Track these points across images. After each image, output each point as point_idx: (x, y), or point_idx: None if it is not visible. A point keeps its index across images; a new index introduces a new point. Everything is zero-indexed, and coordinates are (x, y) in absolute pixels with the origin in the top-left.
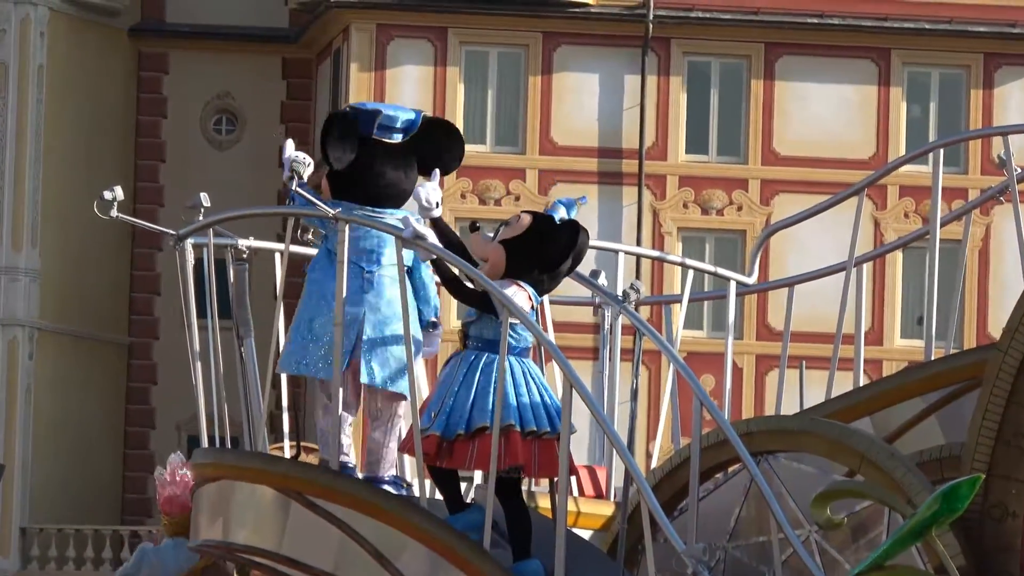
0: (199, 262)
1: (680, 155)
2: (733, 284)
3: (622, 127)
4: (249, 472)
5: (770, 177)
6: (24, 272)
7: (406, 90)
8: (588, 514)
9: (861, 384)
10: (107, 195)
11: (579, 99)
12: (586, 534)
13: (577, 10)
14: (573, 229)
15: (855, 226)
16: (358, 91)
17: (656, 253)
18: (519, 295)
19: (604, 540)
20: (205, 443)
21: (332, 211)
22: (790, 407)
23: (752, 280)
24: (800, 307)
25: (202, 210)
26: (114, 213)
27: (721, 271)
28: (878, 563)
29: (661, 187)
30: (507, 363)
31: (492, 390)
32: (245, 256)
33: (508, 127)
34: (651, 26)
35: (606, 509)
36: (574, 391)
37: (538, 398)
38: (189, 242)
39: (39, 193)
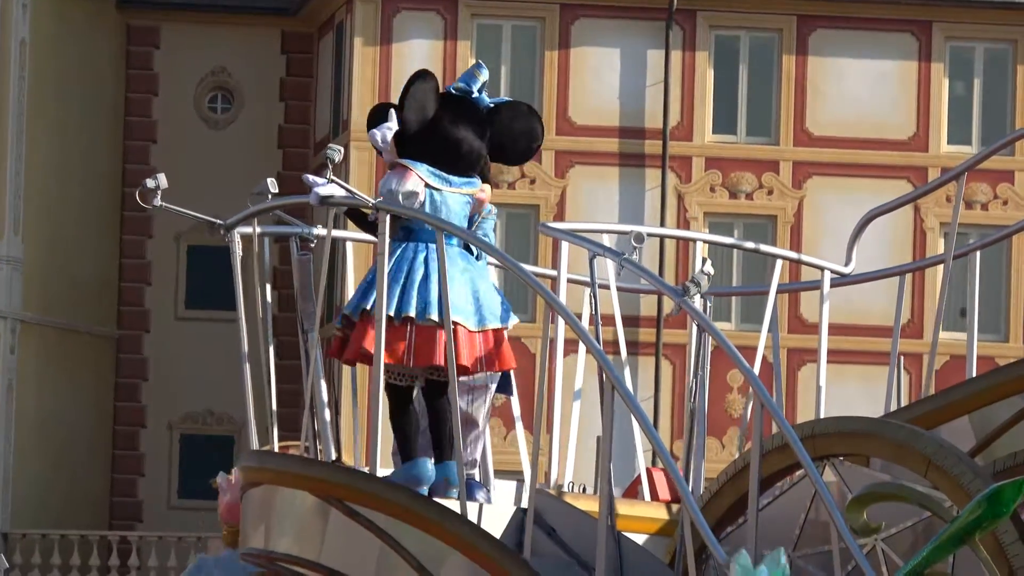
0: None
1: (707, 135)
2: (827, 274)
3: (645, 106)
4: (288, 477)
5: (803, 159)
6: (6, 260)
7: (414, 66)
8: (627, 516)
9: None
10: (150, 183)
11: (599, 76)
12: (640, 538)
13: None
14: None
15: (954, 214)
16: (362, 66)
17: (731, 240)
18: (409, 178)
19: (667, 547)
20: (255, 445)
21: (372, 200)
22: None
23: (850, 270)
24: (835, 300)
25: (270, 197)
26: (157, 202)
27: (808, 259)
28: (917, 570)
29: (686, 169)
30: (409, 250)
31: (389, 277)
32: (312, 245)
33: None
34: None
35: (653, 512)
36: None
37: (418, 282)
38: (237, 232)
39: (21, 176)
